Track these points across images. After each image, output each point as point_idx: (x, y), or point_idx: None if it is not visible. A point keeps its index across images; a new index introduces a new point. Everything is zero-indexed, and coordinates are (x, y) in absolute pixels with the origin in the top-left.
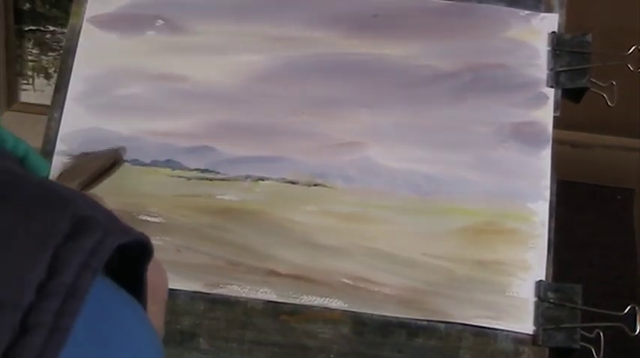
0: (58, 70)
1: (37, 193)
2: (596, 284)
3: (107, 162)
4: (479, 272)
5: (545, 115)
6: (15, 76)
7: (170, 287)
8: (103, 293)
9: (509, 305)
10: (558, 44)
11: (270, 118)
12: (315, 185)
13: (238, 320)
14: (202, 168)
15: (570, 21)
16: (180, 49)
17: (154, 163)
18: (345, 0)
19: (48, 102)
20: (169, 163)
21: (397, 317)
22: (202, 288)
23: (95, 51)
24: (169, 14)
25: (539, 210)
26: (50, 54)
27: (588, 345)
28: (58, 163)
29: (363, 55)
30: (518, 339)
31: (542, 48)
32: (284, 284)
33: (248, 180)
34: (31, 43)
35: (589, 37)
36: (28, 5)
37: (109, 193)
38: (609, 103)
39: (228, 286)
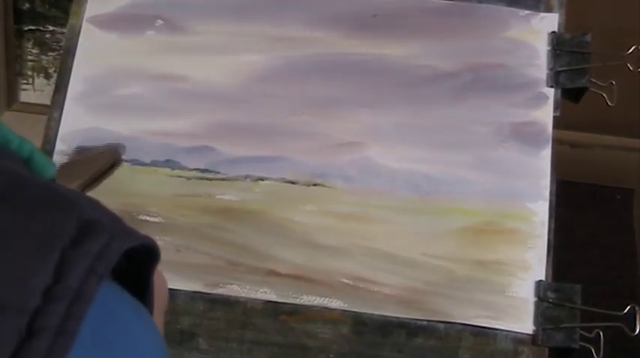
0: (57, 70)
1: (41, 195)
2: (596, 284)
3: (106, 163)
4: (479, 272)
5: (544, 115)
6: (15, 75)
7: (170, 287)
8: (109, 297)
9: (509, 305)
10: (558, 44)
11: (270, 118)
12: (315, 185)
13: (238, 320)
14: (202, 168)
15: (570, 21)
16: (180, 49)
17: (154, 163)
18: (345, 0)
19: (48, 102)
20: (169, 163)
21: (397, 317)
22: (202, 288)
23: (95, 51)
24: (169, 14)
25: (539, 210)
26: (50, 54)
27: (588, 345)
28: (57, 163)
29: (363, 55)
30: (518, 339)
31: (542, 48)
32: (284, 284)
33: (248, 180)
34: (31, 42)
35: (589, 37)
36: (27, 5)
37: (108, 193)
38: (609, 103)
39: (228, 286)
